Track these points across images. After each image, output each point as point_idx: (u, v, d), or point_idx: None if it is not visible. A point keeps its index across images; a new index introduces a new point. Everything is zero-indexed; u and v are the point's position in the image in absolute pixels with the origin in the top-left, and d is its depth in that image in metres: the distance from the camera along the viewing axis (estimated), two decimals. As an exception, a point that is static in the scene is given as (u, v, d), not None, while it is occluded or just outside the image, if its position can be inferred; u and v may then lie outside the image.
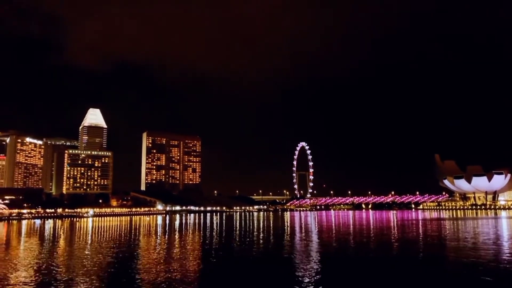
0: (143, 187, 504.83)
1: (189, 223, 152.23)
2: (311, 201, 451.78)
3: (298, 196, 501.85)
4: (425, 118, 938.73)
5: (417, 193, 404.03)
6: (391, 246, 60.11)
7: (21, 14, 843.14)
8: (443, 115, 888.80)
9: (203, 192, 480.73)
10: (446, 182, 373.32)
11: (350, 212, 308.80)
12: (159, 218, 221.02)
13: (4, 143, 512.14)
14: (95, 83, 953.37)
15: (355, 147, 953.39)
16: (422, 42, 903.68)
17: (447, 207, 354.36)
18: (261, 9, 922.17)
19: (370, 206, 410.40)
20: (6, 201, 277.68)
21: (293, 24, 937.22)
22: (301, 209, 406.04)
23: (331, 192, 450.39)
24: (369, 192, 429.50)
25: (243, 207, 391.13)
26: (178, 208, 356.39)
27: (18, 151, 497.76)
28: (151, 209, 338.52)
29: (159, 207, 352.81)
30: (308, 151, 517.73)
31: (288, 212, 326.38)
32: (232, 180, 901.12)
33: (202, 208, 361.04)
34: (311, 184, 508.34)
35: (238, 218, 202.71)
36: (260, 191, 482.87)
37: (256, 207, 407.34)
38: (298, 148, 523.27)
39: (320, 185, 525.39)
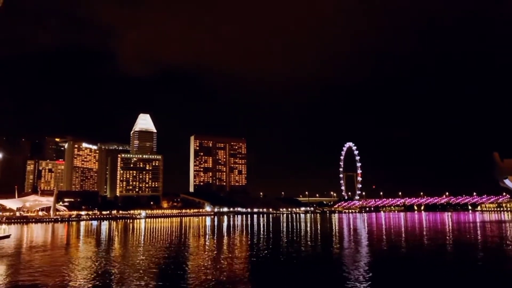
0: (191, 189, 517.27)
1: (237, 224, 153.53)
2: (360, 202, 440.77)
3: (346, 197, 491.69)
4: (482, 114, 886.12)
5: (474, 194, 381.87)
6: (447, 251, 56.91)
7: (76, 26, 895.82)
8: (502, 110, 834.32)
9: (250, 194, 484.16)
10: (507, 182, 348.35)
11: (401, 214, 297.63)
12: (208, 219, 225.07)
13: (62, 148, 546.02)
14: (144, 89, 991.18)
15: (405, 145, 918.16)
16: (479, 38, 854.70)
17: (508, 209, 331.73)
18: (300, 9, 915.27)
19: (422, 208, 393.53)
20: (66, 204, 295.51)
21: (337, 22, 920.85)
22: (350, 211, 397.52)
23: (381, 193, 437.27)
24: (421, 193, 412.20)
25: (289, 209, 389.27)
26: (225, 209, 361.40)
27: (75, 156, 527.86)
28: (200, 210, 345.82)
29: (208, 208, 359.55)
30: (356, 151, 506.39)
31: (336, 214, 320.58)
32: (278, 181, 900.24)
33: (249, 210, 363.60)
34: (359, 185, 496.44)
35: (285, 219, 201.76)
36: (306, 192, 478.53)
37: (302, 208, 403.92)
38: (344, 148, 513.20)
39: (368, 186, 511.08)
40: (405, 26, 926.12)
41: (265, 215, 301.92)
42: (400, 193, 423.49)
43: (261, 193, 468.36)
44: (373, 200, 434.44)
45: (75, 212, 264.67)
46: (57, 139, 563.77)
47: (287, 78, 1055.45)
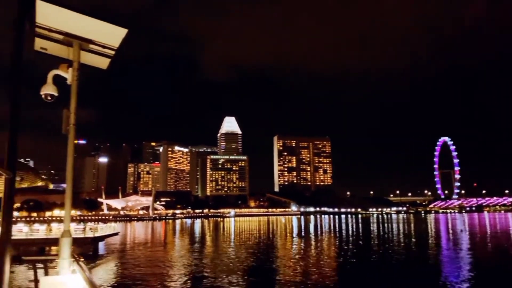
0: (276, 189, 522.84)
1: (324, 224, 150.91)
2: (459, 202, 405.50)
3: (443, 196, 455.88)
4: None
5: None
6: None
7: (164, 38, 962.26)
8: None
9: (336, 193, 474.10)
10: None
11: (509, 214, 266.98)
12: (294, 219, 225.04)
13: (158, 152, 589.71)
14: (229, 92, 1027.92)
15: (509, 139, 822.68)
16: None
17: None
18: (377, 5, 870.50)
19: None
20: (163, 203, 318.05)
21: (426, 12, 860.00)
22: (447, 211, 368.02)
23: (483, 191, 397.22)
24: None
25: (379, 209, 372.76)
26: (311, 209, 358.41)
27: (169, 159, 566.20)
28: (286, 210, 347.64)
29: (293, 208, 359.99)
30: (452, 147, 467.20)
31: (432, 214, 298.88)
32: (365, 180, 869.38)
33: (335, 210, 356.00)
34: (457, 183, 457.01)
35: (375, 220, 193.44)
36: (398, 191, 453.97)
37: (394, 208, 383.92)
38: (439, 144, 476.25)
39: (467, 184, 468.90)
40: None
41: (353, 216, 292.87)
42: (506, 191, 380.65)
43: (347, 193, 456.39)
44: (475, 199, 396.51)
45: (171, 211, 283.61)
46: (153, 144, 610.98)
47: (369, 72, 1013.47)
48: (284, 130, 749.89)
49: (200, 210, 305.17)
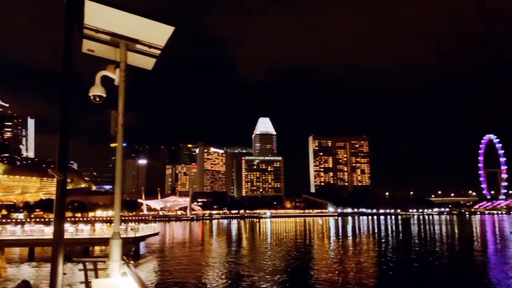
0: (312, 189, 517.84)
1: (363, 226, 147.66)
2: (506, 202, 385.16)
3: (489, 197, 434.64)
4: None
5: None
6: None
7: (200, 41, 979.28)
8: None
9: (374, 194, 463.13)
10: None
11: None
12: (331, 220, 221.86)
13: (194, 153, 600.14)
14: (263, 93, 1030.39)
15: None
16: None
17: None
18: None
19: None
20: (200, 204, 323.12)
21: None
22: (494, 212, 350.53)
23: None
24: None
25: (419, 210, 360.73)
26: (349, 210, 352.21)
27: (205, 160, 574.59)
28: (323, 211, 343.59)
29: (330, 209, 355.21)
30: (498, 145, 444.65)
31: (477, 216, 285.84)
32: (405, 180, 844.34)
33: (374, 211, 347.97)
34: (505, 183, 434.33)
35: (416, 221, 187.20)
36: (439, 192, 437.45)
37: (435, 209, 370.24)
38: (484, 142, 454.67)
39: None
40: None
41: (392, 217, 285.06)
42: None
43: (386, 193, 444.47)
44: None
45: (207, 212, 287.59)
46: (189, 145, 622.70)
47: (407, 70, 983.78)
48: (319, 130, 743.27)
49: (236, 211, 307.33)
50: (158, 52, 6.32)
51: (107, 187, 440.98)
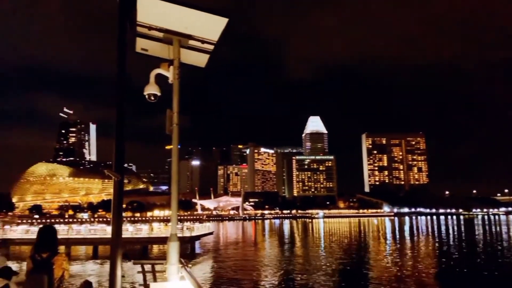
0: (366, 189, 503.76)
1: (421, 226, 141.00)
2: None
3: None
4: None
5: None
6: None
7: (248, 41, 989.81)
8: None
9: (432, 193, 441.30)
10: None
11: None
12: (387, 220, 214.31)
13: (245, 154, 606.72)
14: (312, 91, 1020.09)
15: None
16: None
17: None
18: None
19: None
20: (251, 203, 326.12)
21: None
22: None
23: None
24: None
25: (484, 209, 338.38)
26: (406, 210, 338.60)
27: (256, 160, 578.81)
28: (378, 211, 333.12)
29: (386, 209, 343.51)
30: None
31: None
32: (466, 178, 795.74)
33: (433, 210, 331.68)
34: None
35: (480, 222, 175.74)
36: (506, 190, 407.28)
37: (502, 209, 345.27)
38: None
39: None
40: None
41: (454, 217, 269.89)
42: None
43: (446, 192, 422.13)
44: None
45: (259, 211, 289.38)
46: (240, 146, 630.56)
47: (461, 61, 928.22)
48: (372, 128, 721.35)
49: (288, 211, 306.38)
50: (211, 47, 6.11)
51: (164, 187, 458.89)
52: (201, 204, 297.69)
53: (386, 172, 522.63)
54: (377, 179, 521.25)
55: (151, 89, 5.82)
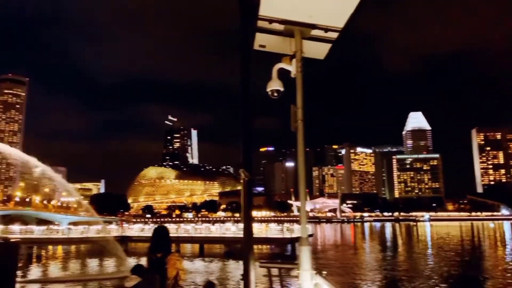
0: (479, 189, 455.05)
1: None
2: None
3: None
4: None
5: None
6: None
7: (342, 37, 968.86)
8: None
9: None
10: None
11: None
12: (506, 224, 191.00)
13: (340, 154, 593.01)
14: (411, 86, 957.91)
15: None
16: None
17: None
18: None
19: None
20: (349, 205, 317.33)
21: None
22: None
23: None
24: None
25: None
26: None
27: (352, 161, 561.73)
28: (494, 213, 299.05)
29: (504, 211, 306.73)
30: None
31: None
32: None
33: None
34: None
35: None
36: None
37: None
38: None
39: None
40: None
41: None
42: None
43: None
44: None
45: (358, 214, 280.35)
46: (334, 147, 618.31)
47: None
48: (483, 122, 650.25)
49: (390, 213, 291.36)
50: (335, 35, 5.51)
51: (260, 188, 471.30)
52: (297, 206, 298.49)
53: (502, 171, 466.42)
54: (491, 178, 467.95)
55: (275, 85, 5.48)
